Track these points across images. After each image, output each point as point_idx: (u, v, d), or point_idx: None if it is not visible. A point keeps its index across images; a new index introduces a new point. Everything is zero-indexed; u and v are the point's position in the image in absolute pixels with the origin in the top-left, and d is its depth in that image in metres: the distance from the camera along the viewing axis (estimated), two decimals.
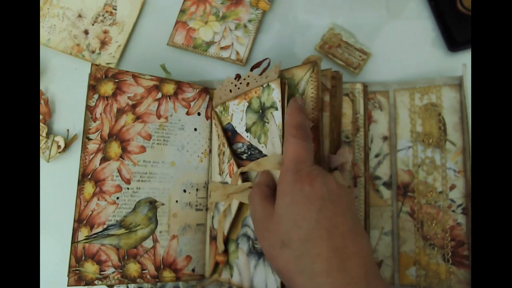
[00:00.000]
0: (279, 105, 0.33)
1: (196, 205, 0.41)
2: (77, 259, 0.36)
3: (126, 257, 0.37)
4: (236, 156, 0.37)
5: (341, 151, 0.34)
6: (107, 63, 0.48)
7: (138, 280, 0.37)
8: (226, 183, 0.38)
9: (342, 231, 0.26)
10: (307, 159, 0.29)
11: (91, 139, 0.38)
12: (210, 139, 0.43)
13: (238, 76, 0.39)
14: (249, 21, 0.47)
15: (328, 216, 0.26)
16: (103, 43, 0.49)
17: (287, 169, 0.29)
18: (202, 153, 0.42)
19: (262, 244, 0.29)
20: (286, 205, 0.28)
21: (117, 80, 0.40)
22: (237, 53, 0.47)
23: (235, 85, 0.39)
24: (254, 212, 0.30)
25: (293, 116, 0.30)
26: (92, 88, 0.39)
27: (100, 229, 0.37)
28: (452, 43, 0.43)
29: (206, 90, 0.43)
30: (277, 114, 0.33)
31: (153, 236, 0.38)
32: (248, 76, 0.37)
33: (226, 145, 0.39)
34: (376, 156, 0.41)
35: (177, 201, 0.40)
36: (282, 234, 0.27)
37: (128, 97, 0.40)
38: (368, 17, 0.46)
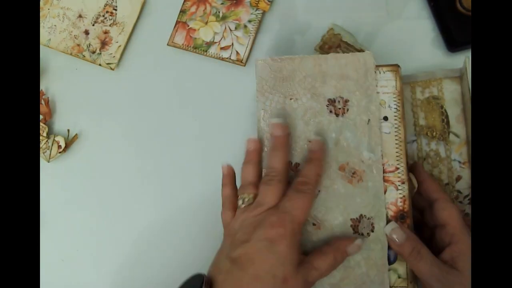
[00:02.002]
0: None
1: None
2: None
3: None
4: None
5: None
6: (108, 64, 0.48)
7: None
8: None
9: None
10: (462, 218, 0.33)
11: None
12: None
13: None
14: (249, 21, 0.47)
15: None
16: (104, 43, 0.49)
17: (462, 233, 0.32)
18: None
19: None
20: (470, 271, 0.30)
21: None
22: (237, 53, 0.47)
23: None
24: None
25: (433, 182, 0.35)
26: None
27: None
28: (452, 44, 0.43)
29: None
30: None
31: None
32: None
33: None
34: None
35: None
36: None
37: None
38: (368, 17, 0.46)
